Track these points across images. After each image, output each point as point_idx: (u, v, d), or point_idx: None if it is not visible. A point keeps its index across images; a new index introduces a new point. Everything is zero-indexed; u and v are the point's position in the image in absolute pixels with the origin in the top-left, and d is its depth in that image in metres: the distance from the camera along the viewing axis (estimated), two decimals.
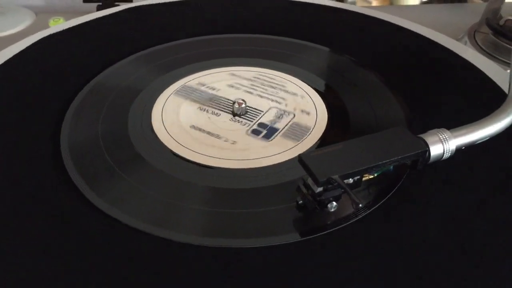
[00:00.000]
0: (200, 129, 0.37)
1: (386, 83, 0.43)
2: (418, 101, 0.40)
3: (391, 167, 0.31)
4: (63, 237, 0.28)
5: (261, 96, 0.41)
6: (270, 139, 0.36)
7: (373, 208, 0.31)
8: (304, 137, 0.37)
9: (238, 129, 0.38)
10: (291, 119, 0.39)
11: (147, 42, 0.49)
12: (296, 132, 0.37)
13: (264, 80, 0.44)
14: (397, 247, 0.28)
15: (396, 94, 0.41)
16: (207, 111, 0.40)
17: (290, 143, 0.36)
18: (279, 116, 0.39)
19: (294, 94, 0.42)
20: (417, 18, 0.55)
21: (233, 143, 0.36)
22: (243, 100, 0.39)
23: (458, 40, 0.56)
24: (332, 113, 0.40)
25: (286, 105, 0.40)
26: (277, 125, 0.38)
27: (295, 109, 0.40)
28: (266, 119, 0.39)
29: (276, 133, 0.37)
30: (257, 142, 0.36)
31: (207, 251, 0.28)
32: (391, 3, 0.83)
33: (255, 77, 0.44)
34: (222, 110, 0.40)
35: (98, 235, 0.29)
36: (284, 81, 0.44)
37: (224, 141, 0.36)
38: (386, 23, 0.53)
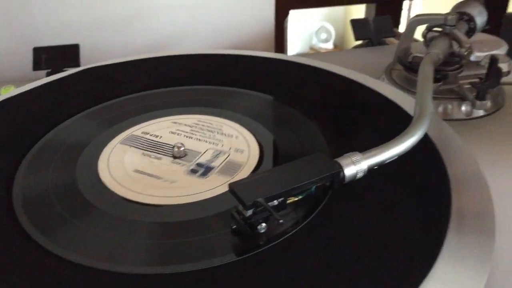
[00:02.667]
0: (143, 172, 0.41)
1: (310, 118, 0.48)
2: (338, 131, 0.46)
3: (313, 188, 0.35)
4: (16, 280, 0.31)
5: (200, 140, 0.46)
6: (206, 177, 0.40)
7: (301, 226, 0.34)
8: (238, 172, 0.41)
9: (177, 170, 0.41)
10: (226, 158, 0.43)
11: (94, 101, 0.53)
12: (231, 168, 0.41)
13: (203, 125, 0.48)
14: (325, 261, 0.32)
15: (319, 126, 0.46)
16: (150, 156, 0.43)
17: (224, 179, 0.40)
18: (215, 156, 0.43)
19: (230, 135, 0.46)
20: (347, 62, 0.62)
21: (172, 183, 0.40)
22: (181, 143, 0.43)
23: (379, 77, 0.63)
24: (263, 147, 0.44)
25: (222, 145, 0.45)
26: (213, 164, 0.42)
27: (230, 149, 0.44)
28: (203, 159, 0.43)
29: (212, 171, 0.41)
30: (195, 180, 0.40)
31: (156, 279, 0.31)
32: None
33: (194, 123, 0.48)
34: (163, 154, 0.43)
35: (51, 277, 0.31)
36: (221, 125, 0.48)
37: (165, 181, 0.40)
38: (312, 68, 0.59)
